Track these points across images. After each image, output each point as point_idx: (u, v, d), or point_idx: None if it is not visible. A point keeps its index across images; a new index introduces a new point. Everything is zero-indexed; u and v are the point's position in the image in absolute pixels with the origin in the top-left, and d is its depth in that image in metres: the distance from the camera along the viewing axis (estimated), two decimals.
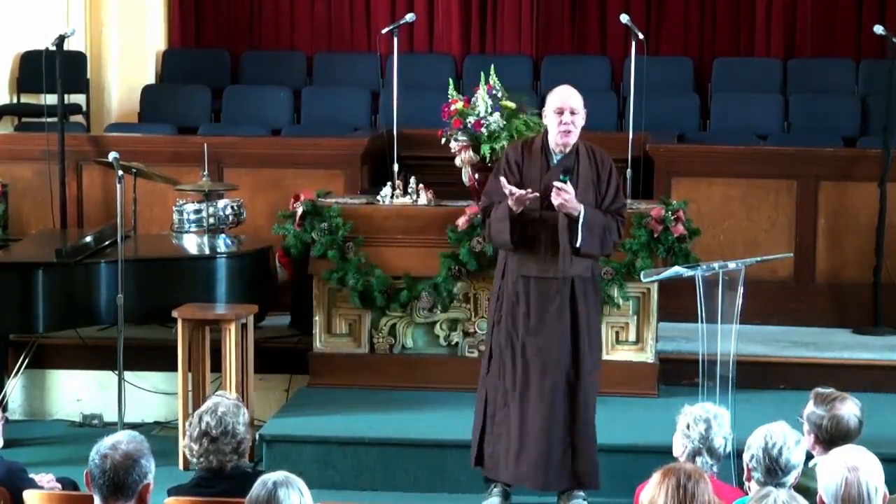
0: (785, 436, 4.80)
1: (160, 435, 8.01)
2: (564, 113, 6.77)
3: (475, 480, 7.14)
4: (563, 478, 6.86)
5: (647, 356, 8.18)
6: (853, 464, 4.15)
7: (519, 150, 6.96)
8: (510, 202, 6.68)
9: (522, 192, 6.66)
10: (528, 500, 7.11)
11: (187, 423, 5.29)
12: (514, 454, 6.85)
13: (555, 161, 6.85)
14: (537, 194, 6.74)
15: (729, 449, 5.39)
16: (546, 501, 7.07)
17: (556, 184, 6.67)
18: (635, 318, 8.16)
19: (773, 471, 4.73)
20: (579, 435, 6.85)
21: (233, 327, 7.66)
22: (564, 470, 6.85)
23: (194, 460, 5.22)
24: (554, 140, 6.83)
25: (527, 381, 6.84)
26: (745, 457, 4.81)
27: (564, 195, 6.66)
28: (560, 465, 6.83)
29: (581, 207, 6.70)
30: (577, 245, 6.74)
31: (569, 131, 6.79)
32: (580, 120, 6.83)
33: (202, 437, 5.16)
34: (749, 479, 4.80)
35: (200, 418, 5.22)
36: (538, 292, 6.85)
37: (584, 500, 6.96)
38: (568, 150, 6.84)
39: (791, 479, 4.74)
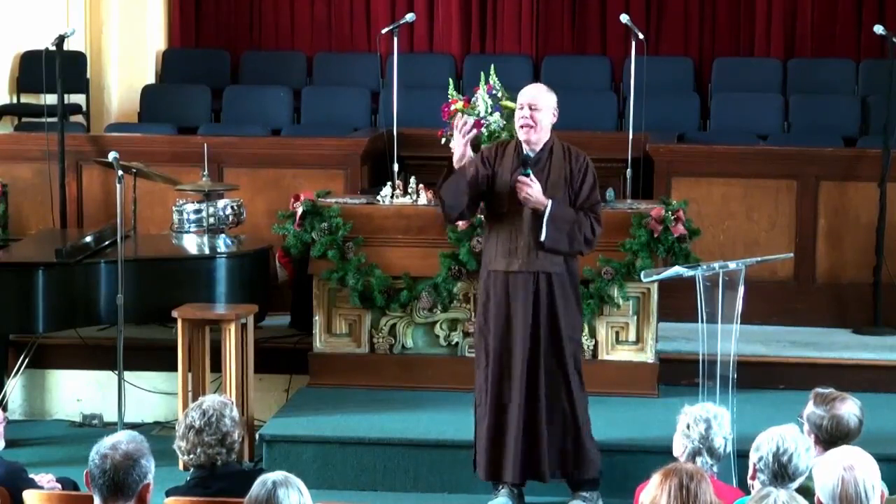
0: (797, 442, 4.79)
1: (160, 435, 8.01)
2: (524, 108, 6.87)
3: (475, 480, 7.14)
4: (532, 471, 6.89)
5: (647, 356, 8.18)
6: (849, 463, 4.15)
7: (493, 149, 7.05)
8: (461, 142, 6.84)
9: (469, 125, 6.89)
10: (539, 500, 7.12)
11: (177, 424, 5.35)
12: (491, 451, 6.89)
13: (531, 155, 6.90)
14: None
15: (729, 449, 5.39)
16: (556, 500, 7.09)
17: (518, 178, 6.76)
18: (635, 318, 8.16)
19: (781, 476, 4.73)
20: (553, 426, 6.85)
21: (233, 327, 7.66)
22: (535, 462, 6.87)
23: (185, 458, 5.27)
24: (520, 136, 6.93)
25: (498, 379, 6.87)
26: (753, 457, 4.79)
27: (527, 189, 6.74)
28: (528, 457, 6.85)
29: (548, 202, 6.75)
30: (542, 240, 6.77)
31: (526, 125, 6.85)
32: (543, 116, 6.86)
33: (188, 431, 5.24)
34: (753, 479, 4.79)
35: (187, 415, 5.33)
36: (504, 287, 6.88)
37: (584, 500, 6.95)
38: (539, 147, 6.88)
39: (796, 484, 4.74)
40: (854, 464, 4.14)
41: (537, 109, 6.85)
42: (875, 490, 4.14)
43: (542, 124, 6.87)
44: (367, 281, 8.17)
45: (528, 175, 6.75)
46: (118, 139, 9.77)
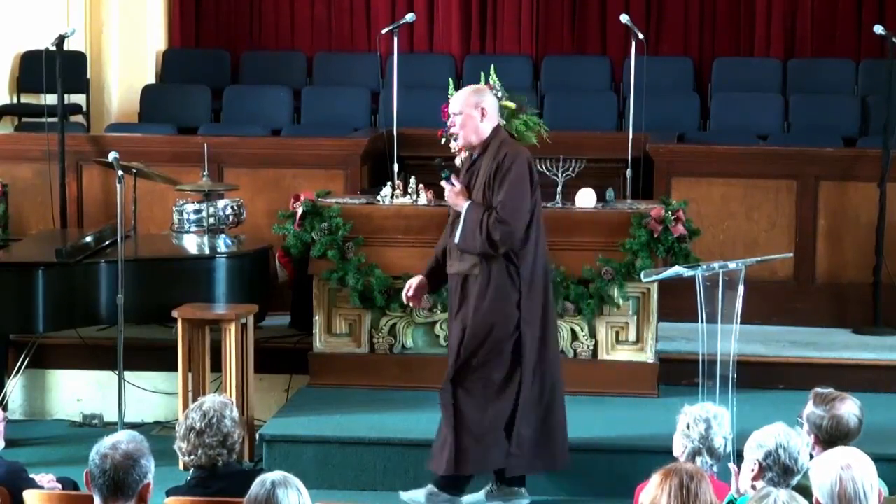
0: (799, 438, 4.81)
1: (160, 435, 8.01)
2: (450, 119, 6.99)
3: (475, 480, 7.14)
4: (440, 465, 6.96)
5: (647, 356, 8.18)
6: (846, 462, 4.15)
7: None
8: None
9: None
10: (540, 499, 7.12)
11: (177, 424, 5.35)
12: None
13: (473, 157, 7.01)
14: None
15: (729, 449, 5.39)
16: (557, 500, 7.09)
17: (442, 183, 6.94)
18: (635, 318, 8.15)
19: (791, 470, 4.73)
20: (443, 427, 6.94)
21: (233, 327, 7.66)
22: (439, 459, 6.95)
23: (185, 459, 5.27)
24: None
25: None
26: (757, 455, 4.78)
27: (446, 192, 6.93)
28: (434, 453, 6.99)
29: (465, 204, 6.81)
30: (456, 241, 6.86)
31: (454, 133, 6.97)
32: (465, 119, 6.87)
33: (189, 432, 5.25)
34: (758, 479, 4.78)
35: (187, 416, 5.33)
36: (450, 288, 7.06)
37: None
38: (477, 148, 6.93)
39: (794, 482, 4.75)
40: (851, 463, 4.14)
41: (457, 114, 6.91)
42: (873, 489, 4.14)
43: (468, 127, 6.88)
44: (367, 281, 8.17)
45: (446, 179, 6.89)
46: (118, 139, 9.77)
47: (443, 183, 6.95)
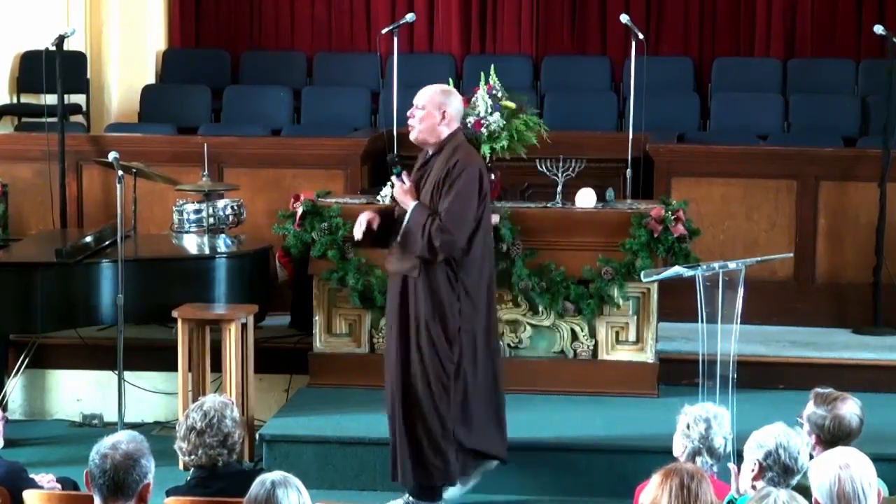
0: (799, 438, 4.82)
1: (160, 435, 8.01)
2: (412, 109, 6.90)
3: None
4: (398, 474, 6.93)
5: (647, 356, 8.17)
6: (845, 462, 4.16)
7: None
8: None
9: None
10: (537, 499, 7.11)
11: (178, 425, 5.35)
12: None
13: (427, 156, 6.96)
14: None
15: (729, 449, 5.39)
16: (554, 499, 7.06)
17: (392, 178, 6.90)
18: (635, 318, 8.15)
19: (791, 470, 4.73)
20: (397, 433, 6.90)
21: (233, 327, 7.66)
22: (398, 466, 6.92)
23: (186, 458, 5.28)
24: None
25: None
26: (757, 455, 4.78)
27: (395, 189, 6.89)
28: (393, 460, 6.94)
29: (412, 204, 6.78)
30: (398, 241, 6.82)
31: (411, 125, 6.89)
32: (425, 115, 6.82)
33: (189, 432, 5.26)
34: (758, 479, 4.78)
35: (188, 416, 5.34)
36: (389, 286, 7.02)
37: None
38: (431, 147, 6.88)
39: (794, 482, 4.75)
40: (850, 462, 4.15)
41: (420, 108, 6.86)
42: (871, 488, 4.14)
43: (426, 124, 6.84)
44: (367, 281, 8.17)
45: (397, 175, 6.86)
46: (118, 139, 9.77)
47: (393, 178, 6.92)
